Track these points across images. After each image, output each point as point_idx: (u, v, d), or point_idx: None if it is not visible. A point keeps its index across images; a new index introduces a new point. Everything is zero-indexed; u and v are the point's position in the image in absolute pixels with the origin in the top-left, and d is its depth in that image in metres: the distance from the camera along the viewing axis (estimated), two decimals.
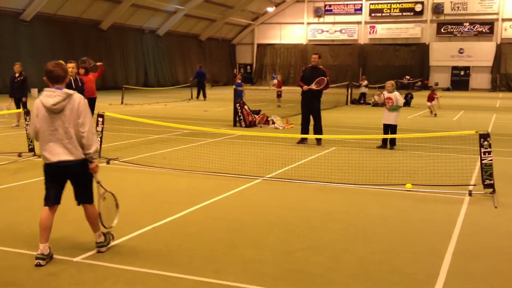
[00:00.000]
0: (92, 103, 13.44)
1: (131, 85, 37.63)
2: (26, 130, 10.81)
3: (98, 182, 5.39)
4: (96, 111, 11.71)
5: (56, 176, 5.14)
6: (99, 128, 10.19)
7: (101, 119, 10.40)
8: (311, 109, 13.11)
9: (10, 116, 16.30)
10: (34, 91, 30.75)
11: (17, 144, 11.45)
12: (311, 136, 12.87)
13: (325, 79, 12.79)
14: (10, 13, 32.57)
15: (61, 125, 5.00)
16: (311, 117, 13.17)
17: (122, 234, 5.79)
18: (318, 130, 13.07)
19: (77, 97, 5.09)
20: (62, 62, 5.49)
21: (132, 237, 5.79)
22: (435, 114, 21.92)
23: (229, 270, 4.94)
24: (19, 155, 10.53)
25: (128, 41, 42.48)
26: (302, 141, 12.95)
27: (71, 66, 10.15)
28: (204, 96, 31.43)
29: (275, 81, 47.37)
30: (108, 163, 9.95)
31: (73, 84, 10.79)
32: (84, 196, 5.26)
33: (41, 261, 4.92)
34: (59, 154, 5.02)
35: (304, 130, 13.07)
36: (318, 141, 12.88)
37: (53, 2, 33.70)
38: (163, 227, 6.23)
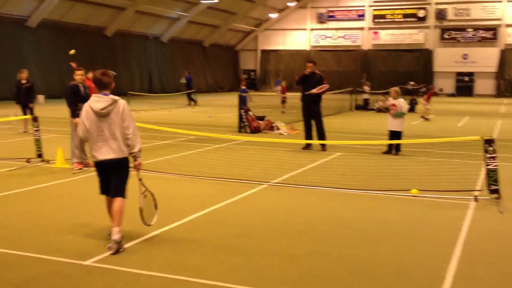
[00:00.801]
0: None
1: (136, 91, 37.78)
2: (34, 136, 10.91)
3: (140, 180, 5.90)
4: None
5: (103, 171, 5.76)
6: None
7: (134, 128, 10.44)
8: (311, 114, 13.23)
9: (17, 123, 16.41)
10: (41, 97, 30.93)
11: (25, 150, 11.54)
12: (315, 141, 12.93)
13: (327, 86, 13.06)
14: (15, 20, 32.81)
15: (107, 127, 5.62)
16: (313, 123, 13.24)
17: (130, 239, 5.86)
18: (321, 135, 13.16)
19: (121, 103, 5.70)
20: (109, 70, 6.05)
21: (140, 242, 5.85)
22: (426, 118, 22.13)
23: (236, 274, 5.00)
24: (28, 161, 10.62)
25: (132, 48, 42.71)
26: (307, 146, 13.02)
27: (80, 73, 10.24)
28: (192, 100, 31.55)
29: (279, 87, 47.63)
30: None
31: (83, 91, 10.84)
32: (119, 190, 5.74)
33: (112, 245, 5.44)
34: (104, 153, 5.64)
35: (308, 136, 13.17)
36: (323, 146, 12.95)
37: (58, 9, 33.94)
38: (170, 232, 6.29)
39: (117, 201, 5.67)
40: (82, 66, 10.46)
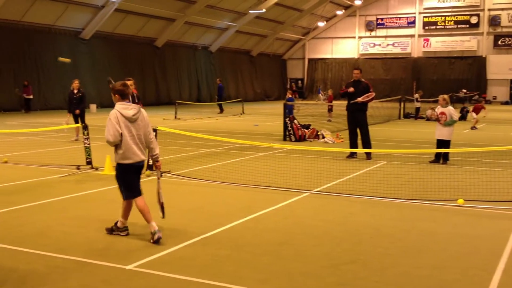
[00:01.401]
0: None
1: (184, 100, 38.45)
2: (84, 144, 11.27)
3: (158, 178, 6.64)
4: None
5: (135, 173, 6.36)
6: None
7: (154, 133, 10.72)
8: (357, 123, 13.09)
9: (69, 131, 16.99)
10: (93, 106, 31.92)
11: (76, 157, 11.94)
12: (360, 150, 12.79)
13: (373, 94, 12.92)
14: (70, 32, 34.06)
15: (135, 132, 6.24)
16: (358, 131, 13.11)
17: (172, 244, 5.97)
18: (366, 143, 13.00)
19: (143, 110, 6.44)
20: (127, 81, 6.74)
21: (181, 247, 5.96)
22: (474, 128, 21.67)
23: (274, 281, 5.01)
24: (78, 168, 10.97)
25: (182, 58, 43.49)
26: (352, 155, 12.89)
27: (129, 84, 10.55)
28: (220, 108, 31.88)
29: (320, 95, 47.50)
30: (161, 176, 10.22)
31: (131, 100, 11.13)
32: (140, 189, 6.42)
33: (159, 234, 6.05)
34: (139, 155, 6.30)
35: (353, 145, 13.04)
36: (368, 155, 12.79)
37: (111, 21, 35.02)
38: (212, 238, 6.37)
39: (143, 198, 6.32)
40: (132, 76, 10.77)
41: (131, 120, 6.19)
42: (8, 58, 30.07)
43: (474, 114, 22.80)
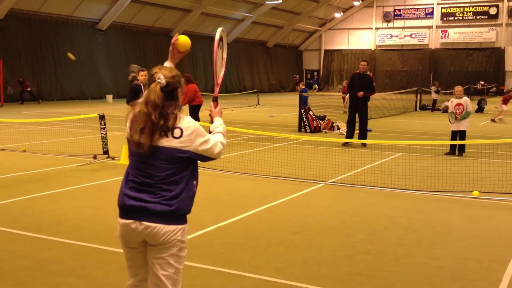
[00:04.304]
0: None
1: (201, 91, 38.37)
2: (101, 134, 11.39)
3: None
4: None
5: None
6: None
7: None
8: (358, 112, 13.81)
9: (85, 121, 17.14)
10: (109, 97, 32.16)
11: (93, 147, 12.07)
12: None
13: (374, 92, 13.87)
14: (87, 23, 34.28)
15: None
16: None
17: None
18: (363, 132, 13.78)
19: None
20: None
21: (196, 236, 6.03)
22: (494, 120, 21.36)
23: (289, 270, 5.06)
24: (94, 157, 11.11)
25: (198, 49, 43.52)
26: (347, 144, 13.65)
27: (144, 74, 10.65)
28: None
29: (316, 85, 47.50)
30: None
31: (143, 90, 11.27)
32: None
33: None
34: None
35: (350, 133, 13.91)
36: (363, 143, 13.51)
37: (128, 12, 35.15)
38: (227, 227, 6.44)
39: None
40: (148, 67, 10.80)
41: None
42: (26, 48, 30.36)
43: (504, 106, 22.16)
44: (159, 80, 3.14)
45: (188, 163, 3.15)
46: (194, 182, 3.23)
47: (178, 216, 3.13)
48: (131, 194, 3.13)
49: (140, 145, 3.08)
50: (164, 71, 3.22)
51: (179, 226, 3.14)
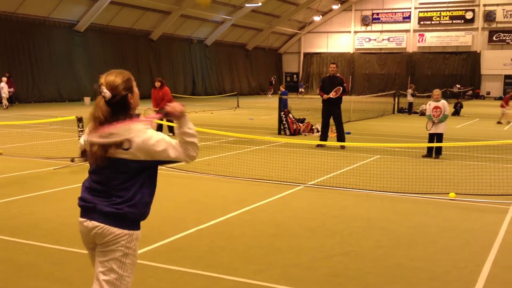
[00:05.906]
0: None
1: (179, 93, 38.42)
2: (79, 136, 11.27)
3: None
4: None
5: None
6: None
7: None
8: (332, 115, 13.78)
9: (63, 123, 16.97)
10: (87, 99, 31.85)
11: (70, 149, 11.95)
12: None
13: (341, 88, 13.58)
14: (65, 24, 33.94)
15: None
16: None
17: (166, 236, 6.03)
18: (340, 133, 13.81)
19: None
20: None
21: (176, 239, 6.01)
22: (500, 122, 21.81)
23: (268, 272, 5.08)
24: (72, 160, 11.00)
25: (177, 51, 43.44)
26: (322, 146, 13.70)
27: None
28: None
29: (302, 89, 47.92)
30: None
31: None
32: None
33: None
34: None
35: (324, 135, 13.90)
36: (342, 146, 13.52)
37: (106, 13, 34.90)
38: (206, 230, 6.43)
39: None
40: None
41: None
42: (2, 50, 29.94)
43: (507, 109, 22.38)
44: (103, 94, 3.02)
45: (140, 171, 3.10)
46: (149, 190, 3.18)
47: (127, 221, 3.10)
48: (85, 197, 3.20)
49: (94, 156, 3.07)
50: (110, 78, 3.08)
51: (126, 231, 3.10)
